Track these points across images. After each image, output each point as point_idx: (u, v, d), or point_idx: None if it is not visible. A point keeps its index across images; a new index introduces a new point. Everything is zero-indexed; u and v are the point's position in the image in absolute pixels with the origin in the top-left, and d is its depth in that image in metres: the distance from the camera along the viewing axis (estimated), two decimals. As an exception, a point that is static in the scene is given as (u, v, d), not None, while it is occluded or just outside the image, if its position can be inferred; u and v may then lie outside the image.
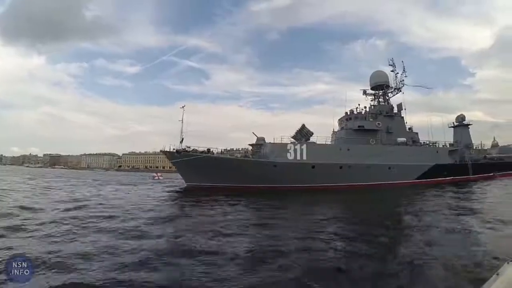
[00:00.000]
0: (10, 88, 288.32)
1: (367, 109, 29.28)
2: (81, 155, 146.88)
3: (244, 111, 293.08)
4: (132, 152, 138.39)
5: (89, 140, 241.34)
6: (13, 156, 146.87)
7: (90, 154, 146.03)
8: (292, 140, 26.27)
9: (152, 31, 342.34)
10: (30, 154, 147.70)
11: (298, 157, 25.13)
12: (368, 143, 26.61)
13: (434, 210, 12.64)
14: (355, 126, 27.26)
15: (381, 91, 30.80)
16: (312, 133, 27.10)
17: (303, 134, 26.92)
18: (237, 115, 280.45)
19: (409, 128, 30.01)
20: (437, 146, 29.86)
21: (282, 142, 25.74)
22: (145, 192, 22.12)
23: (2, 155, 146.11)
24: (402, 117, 29.63)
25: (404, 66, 31.51)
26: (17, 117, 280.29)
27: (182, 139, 25.39)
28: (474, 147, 33.37)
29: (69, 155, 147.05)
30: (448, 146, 30.83)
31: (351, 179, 24.73)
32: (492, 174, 30.21)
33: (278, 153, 25.36)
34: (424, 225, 9.50)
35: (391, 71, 31.73)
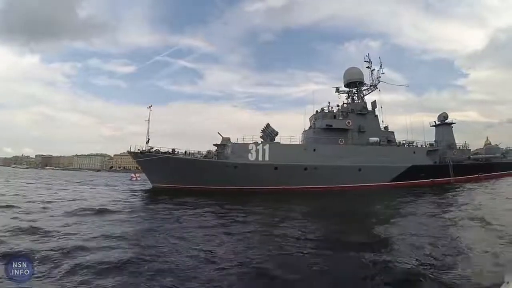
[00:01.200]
0: (2, 88, 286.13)
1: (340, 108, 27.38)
2: (73, 156, 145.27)
3: (238, 111, 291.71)
4: (124, 153, 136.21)
5: (82, 141, 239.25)
6: (5, 158, 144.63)
7: (81, 155, 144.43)
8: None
9: (146, 31, 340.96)
10: (22, 155, 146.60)
11: (260, 158, 23.33)
12: (337, 143, 24.63)
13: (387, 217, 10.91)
14: (323, 125, 25.32)
15: (354, 89, 28.84)
16: (277, 133, 25.18)
17: (267, 133, 24.99)
18: (231, 115, 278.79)
19: (385, 128, 28.00)
20: (414, 146, 27.74)
21: (244, 142, 24.03)
22: (103, 192, 21.69)
23: None
24: (376, 116, 27.62)
25: (381, 63, 29.59)
26: (9, 117, 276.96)
27: (148, 139, 24.87)
28: (458, 147, 31.24)
29: (61, 156, 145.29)
30: (428, 146, 28.79)
31: (317, 181, 22.87)
32: (477, 175, 28.15)
33: (239, 154, 23.61)
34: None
35: (366, 67, 29.91)
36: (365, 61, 29.97)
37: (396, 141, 27.89)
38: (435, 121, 32.38)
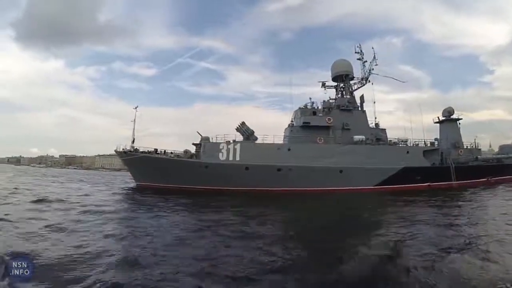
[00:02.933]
0: (29, 91, 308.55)
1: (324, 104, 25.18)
2: (95, 156, 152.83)
3: (261, 112, 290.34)
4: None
5: (104, 141, 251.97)
6: (31, 157, 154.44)
7: (103, 155, 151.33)
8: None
9: (166, 33, 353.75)
10: (47, 155, 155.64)
11: (231, 158, 22.07)
12: (315, 142, 22.53)
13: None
14: (300, 123, 23.31)
15: (341, 83, 26.41)
16: (252, 131, 23.68)
17: (242, 132, 23.60)
18: (253, 116, 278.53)
19: (376, 124, 25.28)
20: (409, 145, 24.65)
21: (216, 141, 22.92)
22: (97, 189, 22.69)
23: (20, 156, 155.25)
24: (364, 111, 24.99)
25: (375, 54, 26.78)
26: (35, 120, 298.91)
27: (134, 139, 25.58)
28: (466, 146, 27.36)
29: (83, 156, 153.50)
30: (429, 145, 25.47)
31: (292, 183, 21.05)
32: (486, 179, 24.45)
33: (210, 153, 22.56)
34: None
35: (357, 59, 27.25)
36: (355, 52, 27.34)
37: (389, 139, 25.06)
38: (438, 117, 28.70)
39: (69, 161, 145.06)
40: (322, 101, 25.54)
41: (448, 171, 23.37)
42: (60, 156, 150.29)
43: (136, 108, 26.65)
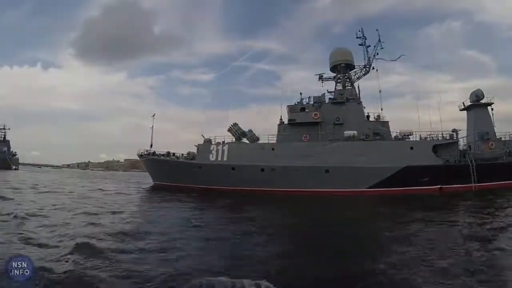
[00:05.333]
0: (97, 102, 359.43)
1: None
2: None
3: None
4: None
5: (166, 145, 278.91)
6: (98, 162, 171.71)
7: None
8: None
9: (220, 39, 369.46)
10: (113, 159, 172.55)
11: (219, 158, 23.21)
12: (301, 140, 21.80)
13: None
14: (286, 121, 22.77)
15: (340, 74, 24.48)
16: (244, 132, 24.20)
17: (233, 133, 24.41)
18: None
19: (376, 117, 22.81)
20: (413, 139, 21.46)
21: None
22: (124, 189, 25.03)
23: (89, 161, 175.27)
24: (360, 103, 22.79)
25: (379, 36, 24.05)
26: (104, 128, 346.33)
27: (152, 144, 28.94)
28: (499, 138, 22.21)
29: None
30: (447, 137, 21.69)
31: (277, 183, 20.95)
32: None
33: (203, 154, 24.17)
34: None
35: (359, 44, 24.85)
36: (357, 37, 24.87)
37: (392, 133, 22.37)
38: (463, 103, 23.97)
39: (133, 165, 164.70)
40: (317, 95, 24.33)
41: (467, 171, 19.72)
42: (125, 160, 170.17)
43: (153, 116, 30.25)
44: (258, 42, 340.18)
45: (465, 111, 24.21)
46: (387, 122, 22.58)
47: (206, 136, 25.53)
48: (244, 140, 24.33)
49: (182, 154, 27.43)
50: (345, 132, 21.21)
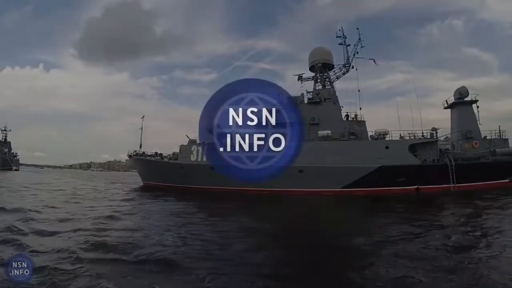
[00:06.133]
0: (98, 103, 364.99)
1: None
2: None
3: None
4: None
5: (168, 145, 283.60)
6: (100, 162, 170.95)
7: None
8: None
9: (222, 39, 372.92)
10: (115, 160, 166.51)
11: (199, 158, 23.81)
12: (277, 140, 21.98)
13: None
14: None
15: (318, 73, 24.42)
16: None
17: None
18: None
19: (353, 117, 22.61)
20: (390, 138, 21.06)
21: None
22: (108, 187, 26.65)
23: (91, 161, 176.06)
24: (336, 103, 22.65)
25: (360, 35, 23.81)
26: (106, 128, 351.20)
27: (141, 144, 30.12)
28: (484, 137, 21.24)
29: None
30: (427, 136, 21.14)
31: (250, 183, 21.31)
32: (507, 180, 19.04)
33: (185, 155, 24.90)
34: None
35: (339, 44, 24.66)
36: (337, 36, 24.71)
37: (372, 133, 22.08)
38: (446, 101, 23.15)
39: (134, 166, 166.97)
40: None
41: (446, 171, 19.18)
42: (126, 160, 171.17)
43: (143, 117, 31.09)
44: (259, 41, 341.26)
45: (449, 109, 23.47)
46: (364, 121, 22.39)
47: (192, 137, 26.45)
48: None
49: (168, 155, 28.40)
50: (319, 132, 21.21)
